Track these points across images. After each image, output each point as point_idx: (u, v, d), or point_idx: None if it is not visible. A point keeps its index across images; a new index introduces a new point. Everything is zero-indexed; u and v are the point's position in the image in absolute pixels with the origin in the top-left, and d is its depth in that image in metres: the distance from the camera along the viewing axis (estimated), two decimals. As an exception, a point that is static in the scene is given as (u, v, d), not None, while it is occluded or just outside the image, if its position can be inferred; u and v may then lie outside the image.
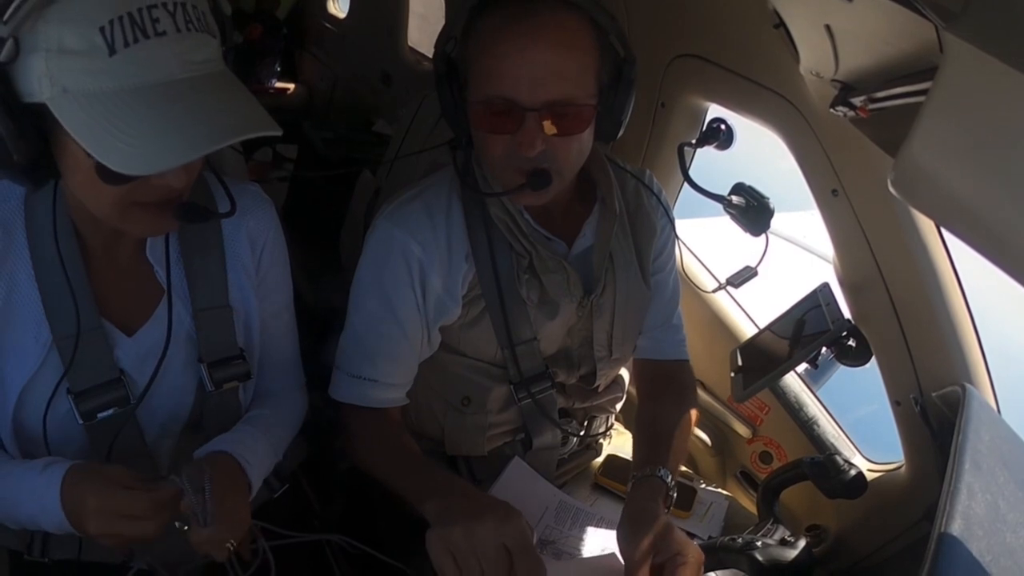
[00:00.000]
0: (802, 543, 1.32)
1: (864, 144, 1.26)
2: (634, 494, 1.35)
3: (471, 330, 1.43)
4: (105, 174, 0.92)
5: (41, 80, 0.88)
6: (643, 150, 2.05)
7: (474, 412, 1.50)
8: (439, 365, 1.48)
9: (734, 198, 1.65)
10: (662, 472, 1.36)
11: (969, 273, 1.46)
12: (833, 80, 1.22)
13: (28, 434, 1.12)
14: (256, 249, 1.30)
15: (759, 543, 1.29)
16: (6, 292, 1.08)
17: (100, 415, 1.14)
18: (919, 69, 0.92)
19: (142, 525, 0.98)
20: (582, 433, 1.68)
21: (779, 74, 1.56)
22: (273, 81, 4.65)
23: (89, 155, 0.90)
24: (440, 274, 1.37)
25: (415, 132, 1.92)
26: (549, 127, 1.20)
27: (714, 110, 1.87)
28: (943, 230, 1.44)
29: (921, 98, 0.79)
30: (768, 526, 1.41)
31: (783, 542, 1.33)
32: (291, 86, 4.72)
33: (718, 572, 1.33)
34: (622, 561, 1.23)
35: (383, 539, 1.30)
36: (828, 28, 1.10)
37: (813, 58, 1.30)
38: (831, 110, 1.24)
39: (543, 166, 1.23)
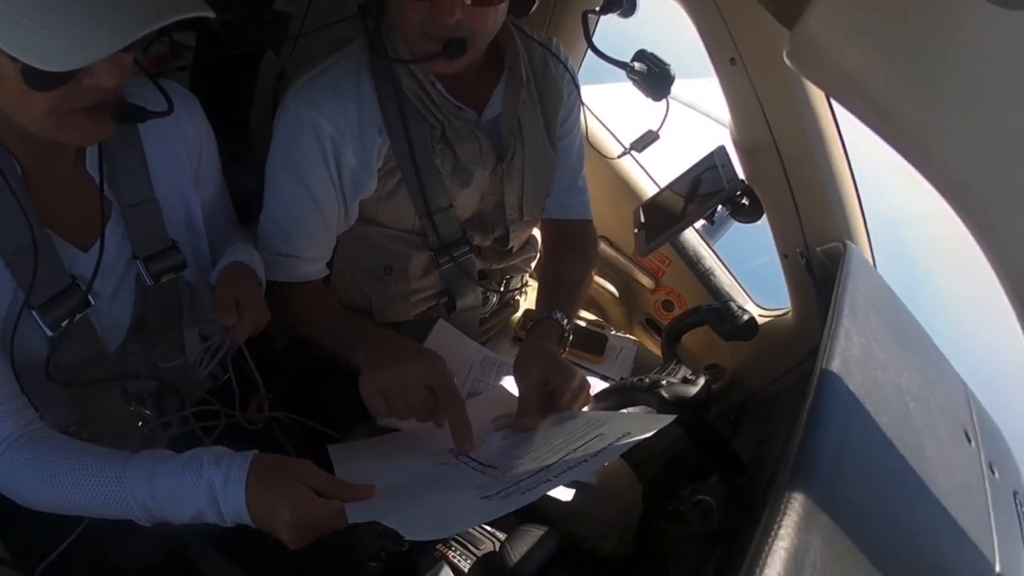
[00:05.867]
0: (702, 381, 1.37)
1: (762, 16, 1.22)
2: (530, 334, 1.41)
3: (388, 201, 1.40)
4: (33, 79, 0.83)
5: None
6: (547, 17, 1.97)
7: (397, 280, 1.49)
8: (360, 237, 1.46)
9: (636, 64, 1.61)
10: (558, 315, 1.41)
11: (854, 141, 1.48)
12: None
13: None
14: (195, 150, 1.25)
15: (664, 382, 1.33)
16: None
17: (63, 324, 1.08)
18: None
19: (333, 524, 0.95)
20: (501, 290, 1.70)
21: None
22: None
23: (13, 61, 0.80)
24: (353, 149, 1.32)
25: (317, 6, 1.80)
26: None
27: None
28: (832, 101, 1.45)
29: None
30: (672, 366, 1.45)
31: (685, 380, 1.37)
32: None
33: (629, 409, 1.39)
34: (515, 393, 1.29)
35: (324, 413, 1.32)
36: None
37: (715, -73, 1.24)
38: None
39: (459, 35, 1.18)
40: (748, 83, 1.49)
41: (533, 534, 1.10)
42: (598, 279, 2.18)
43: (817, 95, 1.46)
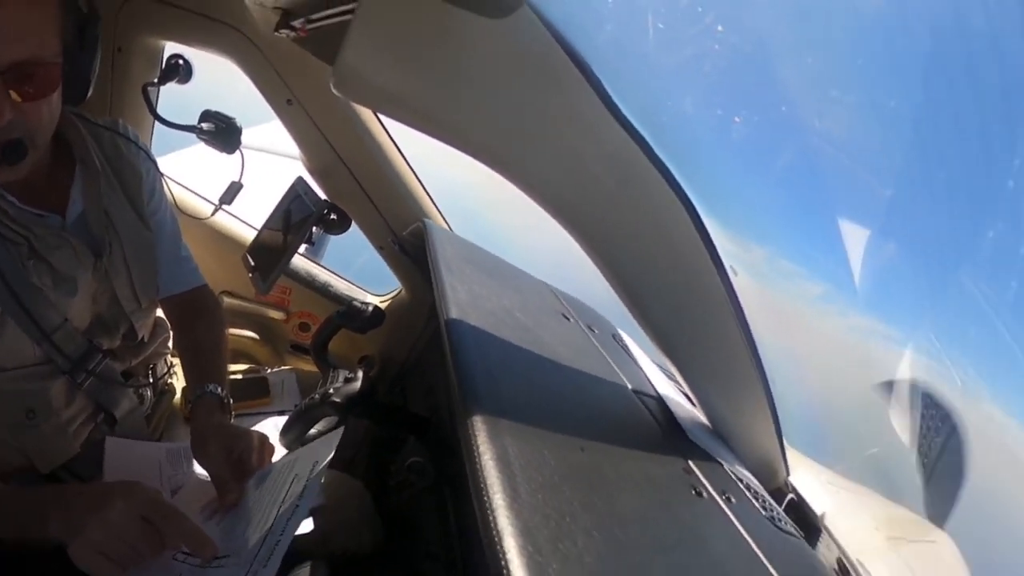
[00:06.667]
0: (360, 374, 1.46)
1: (307, 57, 1.33)
2: (194, 416, 1.35)
3: None
4: None
5: None
6: (107, 98, 1.87)
7: (44, 419, 1.29)
8: None
9: (204, 125, 1.65)
10: (210, 387, 1.38)
11: (405, 140, 1.73)
12: (275, 7, 1.25)
13: None
14: None
15: (331, 390, 1.40)
16: None
17: None
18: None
19: None
20: (152, 382, 1.59)
21: (226, 6, 1.56)
22: None
23: None
24: None
25: None
26: (16, 92, 1.04)
27: (171, 47, 1.77)
28: (380, 115, 1.67)
29: (349, 16, 0.86)
30: (331, 375, 1.51)
31: (347, 380, 1.44)
32: None
33: (317, 426, 1.43)
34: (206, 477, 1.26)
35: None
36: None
37: (255, -12, 1.30)
38: (276, 33, 1.27)
39: (15, 136, 1.07)
40: (307, 117, 1.64)
41: (303, 574, 1.13)
42: (235, 330, 2.18)
43: (367, 112, 1.66)
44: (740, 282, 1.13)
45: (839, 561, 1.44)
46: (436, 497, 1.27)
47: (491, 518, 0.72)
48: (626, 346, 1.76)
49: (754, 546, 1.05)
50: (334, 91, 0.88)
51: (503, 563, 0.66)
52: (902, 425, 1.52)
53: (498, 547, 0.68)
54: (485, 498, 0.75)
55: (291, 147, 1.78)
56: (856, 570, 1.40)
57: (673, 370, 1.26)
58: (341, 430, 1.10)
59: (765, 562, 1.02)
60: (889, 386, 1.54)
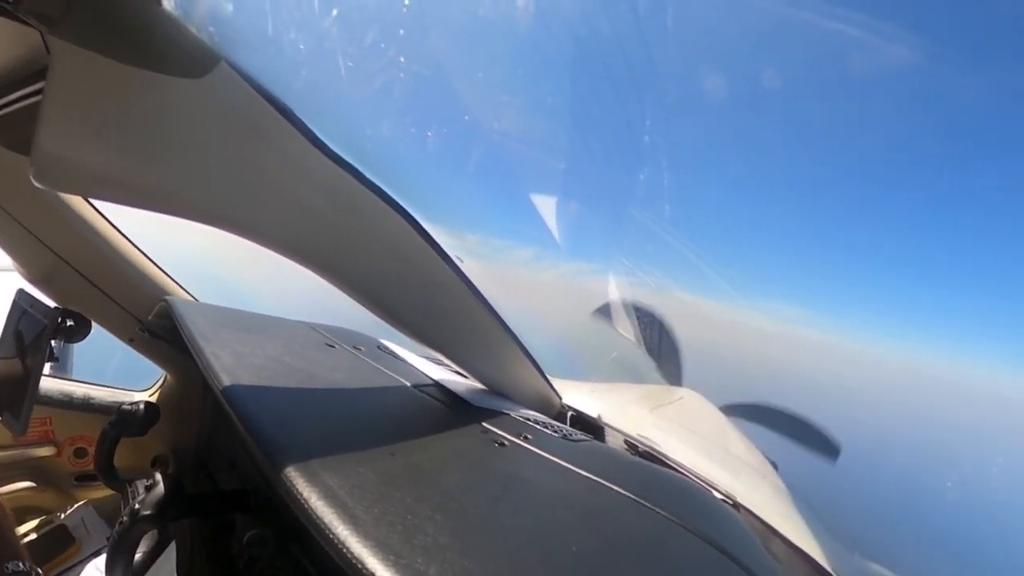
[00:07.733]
0: (159, 477, 1.34)
1: (2, 152, 1.21)
2: None
3: None
4: None
5: None
6: None
7: None
8: None
9: None
10: (10, 566, 1.18)
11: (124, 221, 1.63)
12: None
13: None
14: None
15: (137, 505, 1.28)
16: None
17: None
18: (33, 71, 0.92)
19: None
20: None
21: None
22: None
23: None
24: None
25: None
26: None
27: None
28: (92, 200, 1.54)
29: (39, 98, 0.81)
30: (130, 490, 1.40)
31: (149, 488, 1.32)
32: None
33: (141, 547, 1.36)
34: None
35: None
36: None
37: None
38: None
39: None
40: (12, 220, 1.47)
41: None
42: (6, 488, 1.88)
43: (77, 200, 1.53)
44: (468, 267, 1.27)
45: (626, 442, 1.73)
46: (288, 558, 1.25)
47: (345, 551, 0.73)
48: (393, 352, 1.86)
49: (562, 462, 1.21)
50: (36, 183, 0.81)
51: None
52: (626, 329, 1.84)
53: (364, 571, 0.70)
54: (331, 535, 0.76)
55: (3, 258, 1.58)
56: (640, 442, 1.70)
57: (439, 356, 1.38)
58: (171, 545, 1.05)
59: (575, 469, 1.19)
60: (607, 306, 1.85)
